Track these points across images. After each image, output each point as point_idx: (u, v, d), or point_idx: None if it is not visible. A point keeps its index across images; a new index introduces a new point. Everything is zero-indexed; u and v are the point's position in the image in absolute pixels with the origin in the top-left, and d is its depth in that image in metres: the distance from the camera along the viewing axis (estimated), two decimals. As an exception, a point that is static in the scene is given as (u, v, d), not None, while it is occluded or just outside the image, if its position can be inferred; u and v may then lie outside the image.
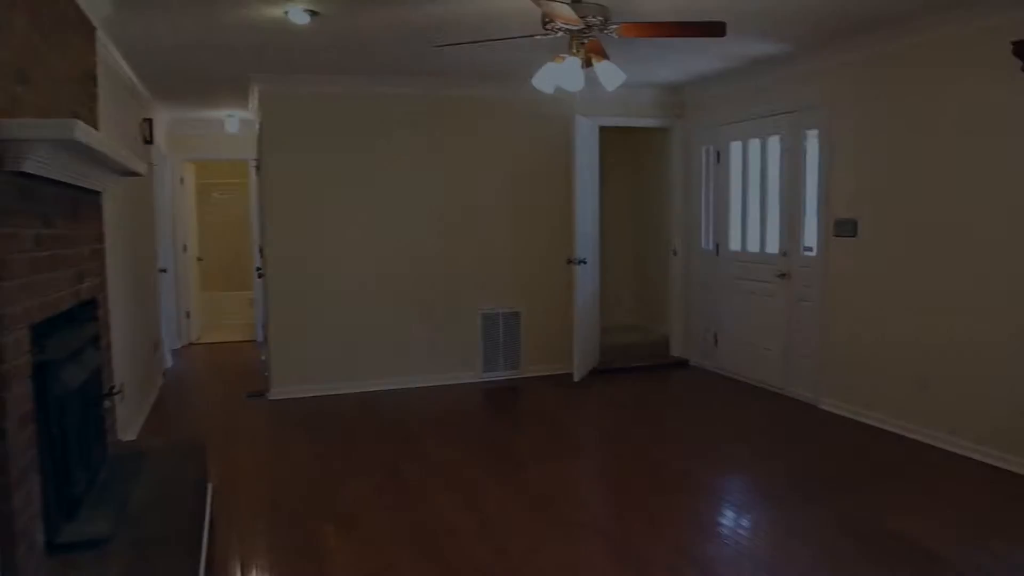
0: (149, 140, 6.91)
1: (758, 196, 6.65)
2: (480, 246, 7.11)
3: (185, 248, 9.44)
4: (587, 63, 4.02)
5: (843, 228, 5.64)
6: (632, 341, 7.86)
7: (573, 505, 4.14)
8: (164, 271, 8.00)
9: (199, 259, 10.39)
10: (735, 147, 6.94)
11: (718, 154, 7.10)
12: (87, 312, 3.36)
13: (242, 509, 4.15)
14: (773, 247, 6.48)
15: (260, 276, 6.79)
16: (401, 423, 5.81)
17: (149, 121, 6.90)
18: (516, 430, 5.60)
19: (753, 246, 6.74)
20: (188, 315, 9.53)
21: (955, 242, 4.80)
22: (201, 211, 11.05)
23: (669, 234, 7.87)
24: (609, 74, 3.88)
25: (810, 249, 6.09)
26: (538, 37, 3.94)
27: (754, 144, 6.69)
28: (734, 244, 7.01)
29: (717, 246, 7.19)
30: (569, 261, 6.67)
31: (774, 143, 6.43)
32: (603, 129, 7.90)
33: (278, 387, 6.71)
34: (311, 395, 6.72)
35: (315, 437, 5.50)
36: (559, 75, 3.85)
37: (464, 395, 6.65)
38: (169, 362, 8.24)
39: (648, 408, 6.11)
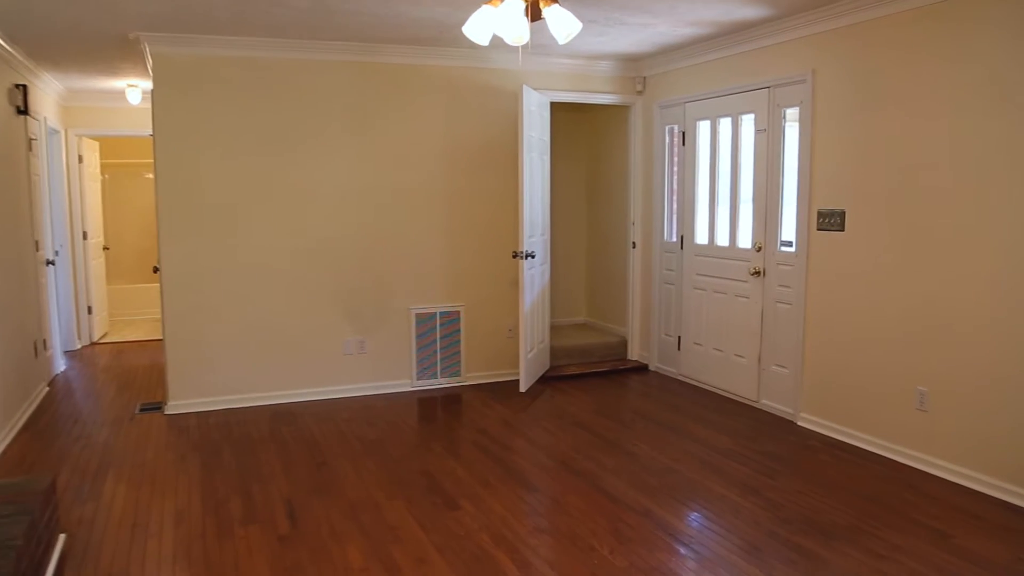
0: (23, 110, 5.87)
1: (728, 183, 5.88)
2: (414, 237, 6.23)
3: (85, 235, 8.37)
4: (535, 14, 3.18)
5: (828, 220, 4.90)
6: (587, 343, 7.06)
7: (513, 557, 3.32)
8: (52, 263, 6.96)
9: (105, 248, 9.33)
10: (703, 127, 6.16)
11: (683, 135, 6.32)
12: None
13: (101, 569, 3.25)
14: (746, 241, 5.72)
15: (156, 271, 5.83)
16: (316, 446, 4.93)
17: (22, 88, 5.87)
18: (451, 454, 4.76)
19: (722, 239, 5.98)
20: (90, 311, 8.48)
21: (961, 238, 4.07)
22: (111, 194, 9.97)
23: (628, 225, 7.08)
24: (560, 22, 3.03)
25: (789, 244, 5.34)
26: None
27: (724, 124, 5.91)
28: (701, 237, 6.23)
29: (681, 239, 6.41)
30: (515, 255, 5.83)
31: (747, 123, 5.66)
32: (555, 107, 7.07)
33: (176, 399, 5.78)
34: (215, 408, 5.81)
35: (209, 465, 4.59)
36: (497, 22, 2.99)
37: (395, 407, 5.79)
38: (61, 366, 7.22)
39: (604, 424, 5.32)
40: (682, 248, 6.40)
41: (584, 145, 8.04)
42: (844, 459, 4.55)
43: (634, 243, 6.99)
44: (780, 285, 5.36)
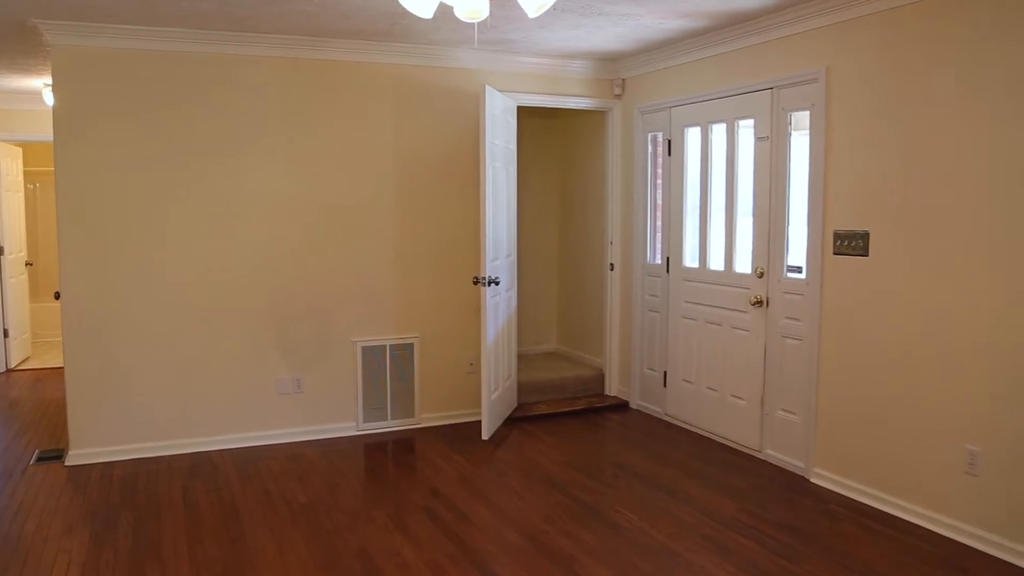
0: None
1: (723, 199, 5.11)
2: (360, 259, 5.38)
3: (2, 251, 7.42)
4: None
5: (848, 243, 4.14)
6: (559, 376, 6.24)
7: None
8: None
9: (28, 264, 8.36)
10: (692, 134, 5.39)
11: (668, 143, 5.55)
12: None
13: None
14: (745, 265, 4.95)
15: (57, 298, 4.91)
16: (234, 511, 4.05)
17: None
18: (397, 526, 3.90)
19: (716, 263, 5.20)
20: (7, 334, 7.50)
21: (1018, 263, 3.33)
22: (40, 205, 9.03)
23: (605, 244, 6.28)
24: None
25: (798, 270, 4.58)
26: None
27: (718, 131, 5.15)
28: (690, 259, 5.46)
29: (667, 261, 5.63)
30: (476, 281, 4.99)
31: (746, 129, 4.91)
32: (523, 112, 6.27)
33: (79, 448, 4.87)
34: (124, 458, 4.92)
35: (100, 540, 3.69)
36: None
37: (335, 458, 4.91)
38: (-46, 405, 6.23)
39: (581, 482, 4.50)
40: (668, 271, 5.62)
41: (556, 155, 7.25)
42: (875, 531, 3.77)
43: (612, 265, 6.20)
44: (787, 317, 4.59)
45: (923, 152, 3.73)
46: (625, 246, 6.10)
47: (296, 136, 5.14)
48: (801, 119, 4.50)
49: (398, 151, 5.40)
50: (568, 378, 6.26)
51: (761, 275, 4.76)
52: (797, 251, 4.60)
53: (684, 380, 5.51)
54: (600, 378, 6.35)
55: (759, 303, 4.76)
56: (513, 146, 5.59)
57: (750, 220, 4.87)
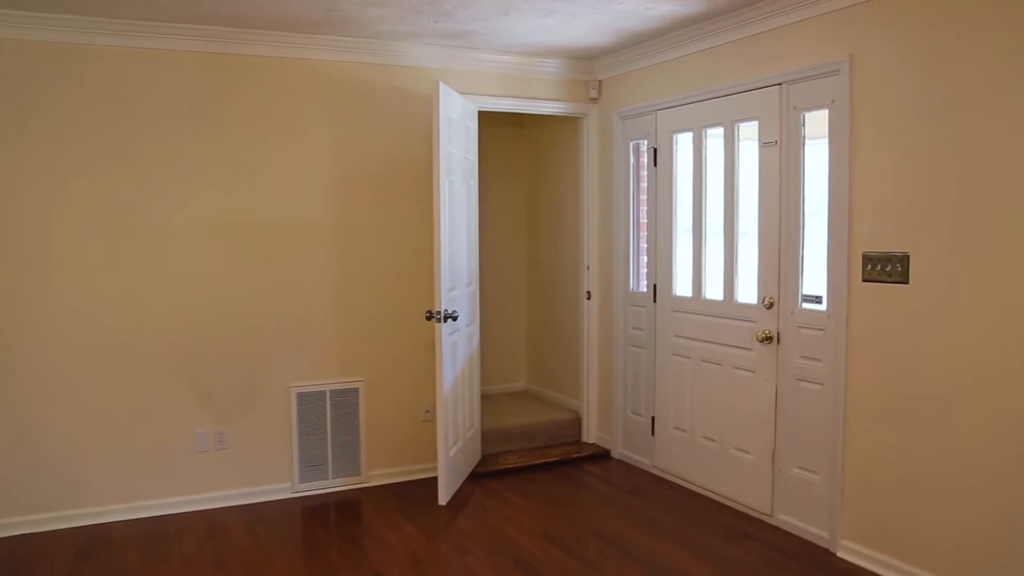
0: None
1: (722, 216, 4.36)
2: (295, 291, 4.53)
3: None
4: None
5: (881, 268, 3.40)
6: (530, 422, 5.43)
7: None
8: None
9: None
10: (682, 141, 4.65)
11: (655, 152, 4.80)
12: None
13: None
14: (750, 294, 4.20)
15: (-80, 341, 4.00)
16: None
17: None
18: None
19: (714, 291, 4.44)
20: None
21: None
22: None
23: (581, 270, 5.51)
24: None
25: (816, 299, 3.83)
26: None
27: (714, 136, 4.41)
28: (682, 287, 4.69)
29: (654, 289, 4.86)
30: (430, 316, 4.16)
31: (749, 133, 4.17)
32: (485, 120, 5.51)
33: (-66, 532, 3.93)
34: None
35: None
36: None
37: (264, 530, 4.03)
38: None
39: (559, 561, 3.68)
40: (655, 301, 4.85)
41: (524, 169, 6.47)
42: (932, 633, 3.00)
43: (589, 293, 5.41)
44: (804, 356, 3.83)
45: (981, 157, 3.01)
46: (604, 272, 5.33)
47: (216, 145, 4.29)
48: (817, 119, 3.77)
49: (339, 164, 4.58)
50: (540, 424, 5.44)
51: (770, 306, 4.00)
52: (814, 277, 3.85)
53: (676, 428, 4.72)
54: (577, 423, 5.54)
55: (768, 339, 4.00)
56: (474, 157, 4.80)
57: (755, 241, 4.12)
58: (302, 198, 4.50)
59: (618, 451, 5.27)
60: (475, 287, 4.84)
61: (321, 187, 4.54)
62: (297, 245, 4.51)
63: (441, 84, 4.04)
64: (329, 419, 4.63)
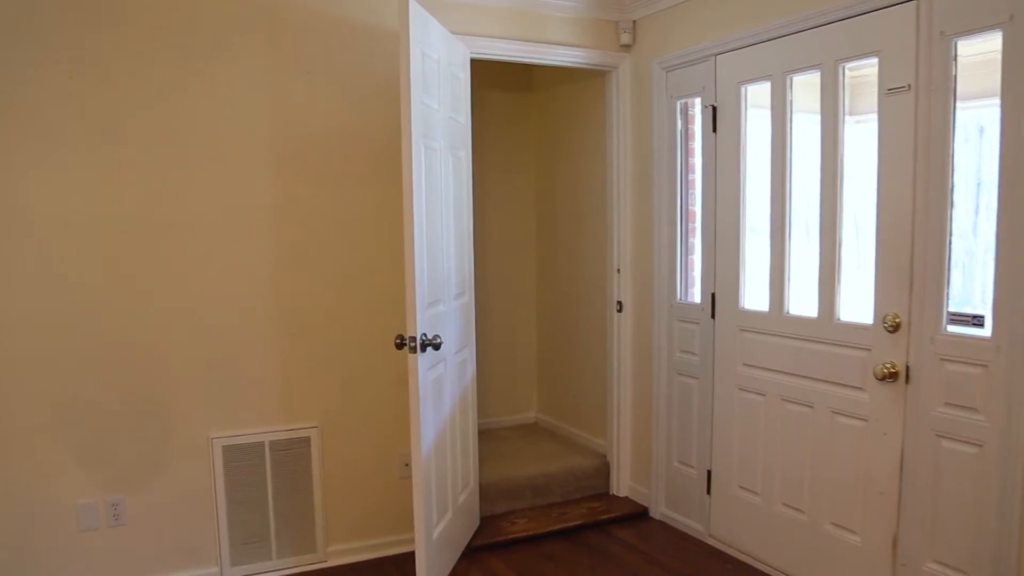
0: None
1: (818, 199, 3.06)
2: (217, 310, 3.27)
3: None
4: None
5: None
6: (543, 471, 4.18)
7: None
8: None
9: None
10: (756, 95, 3.37)
11: (713, 113, 3.51)
12: None
13: None
14: (860, 310, 2.92)
15: None
16: None
17: None
18: None
19: (805, 305, 3.17)
20: None
21: None
22: None
23: (609, 273, 4.24)
24: None
25: (975, 321, 2.55)
26: None
27: (807, 84, 3.13)
28: (754, 299, 3.42)
29: (712, 300, 3.58)
30: (401, 344, 2.86)
31: (860, 78, 2.90)
32: (484, 83, 4.27)
33: None
34: None
35: None
36: None
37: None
38: None
39: None
40: (713, 316, 3.57)
41: (533, 144, 5.19)
42: None
43: (620, 304, 4.14)
44: (950, 404, 2.56)
45: None
46: (640, 276, 4.06)
47: (103, 111, 3.03)
48: (978, 48, 2.49)
49: (278, 132, 3.32)
50: (556, 474, 4.17)
51: (895, 328, 2.72)
52: (970, 288, 2.58)
53: (743, 488, 3.46)
54: (603, 470, 4.28)
55: (891, 376, 2.72)
56: (465, 118, 3.52)
57: (871, 236, 2.84)
58: (225, 179, 3.24)
59: (659, 510, 4.00)
60: (468, 299, 3.57)
61: (252, 163, 3.29)
62: (220, 246, 3.25)
63: (411, 4, 2.75)
64: (270, 479, 3.39)
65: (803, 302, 3.17)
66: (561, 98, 4.86)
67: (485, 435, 4.81)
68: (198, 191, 3.19)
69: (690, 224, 3.84)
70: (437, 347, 2.86)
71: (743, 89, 3.38)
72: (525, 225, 5.19)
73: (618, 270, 4.14)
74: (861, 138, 2.92)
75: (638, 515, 4.06)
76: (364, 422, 3.55)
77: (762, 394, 3.32)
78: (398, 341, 2.83)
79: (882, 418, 2.79)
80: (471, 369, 3.61)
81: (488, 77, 4.86)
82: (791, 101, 3.16)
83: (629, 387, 4.17)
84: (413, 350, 2.78)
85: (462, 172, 3.47)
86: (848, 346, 2.92)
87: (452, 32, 3.42)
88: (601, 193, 4.35)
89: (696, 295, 3.76)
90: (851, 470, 2.92)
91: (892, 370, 2.72)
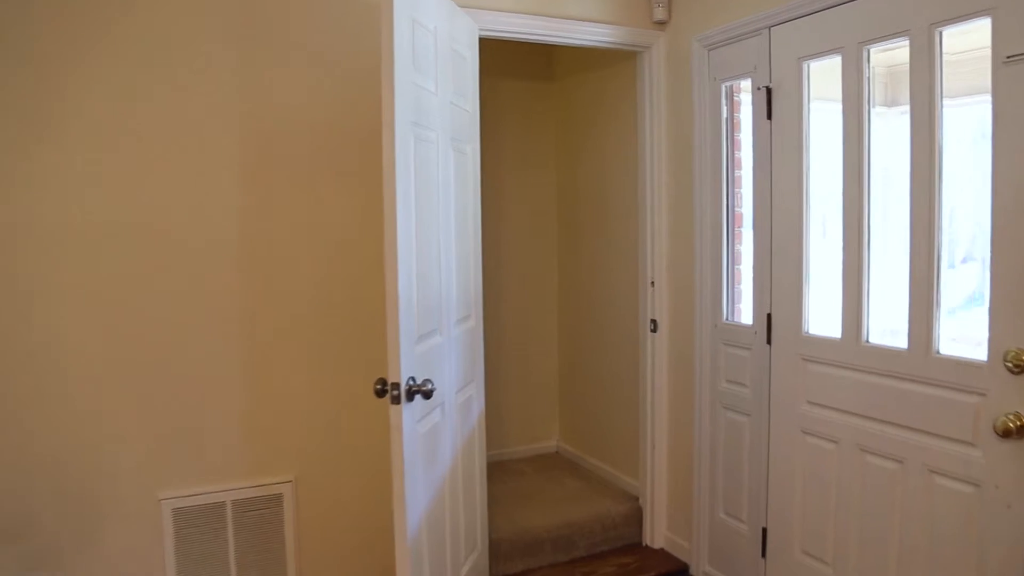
0: None
1: (908, 198, 2.43)
2: (168, 337, 2.71)
3: None
4: None
5: None
6: (564, 520, 3.59)
7: None
8: None
9: None
10: (821, 72, 2.76)
11: (768, 96, 2.88)
12: None
13: None
14: (968, 342, 2.29)
15: None
16: None
17: None
18: None
19: (888, 331, 2.54)
20: None
21: None
22: None
23: (642, 286, 3.64)
24: None
25: None
26: None
27: (887, 57, 2.51)
28: (821, 321, 2.80)
29: (768, 321, 2.95)
30: (382, 391, 2.26)
31: (962, 45, 2.27)
32: (497, 67, 3.71)
33: None
34: None
35: None
36: None
37: None
38: None
39: None
40: (769, 341, 2.95)
41: (553, 137, 4.60)
42: None
43: (654, 322, 3.53)
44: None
45: None
46: (679, 291, 3.45)
47: (24, 94, 2.48)
48: None
49: (249, 123, 2.75)
50: (581, 521, 3.57)
51: (1020, 367, 2.09)
52: None
53: (807, 553, 2.83)
54: (636, 517, 3.67)
55: (1018, 431, 2.09)
56: (472, 107, 2.92)
57: (983, 245, 2.21)
58: (183, 183, 2.68)
59: (701, 569, 3.39)
60: (475, 323, 2.97)
61: (215, 164, 2.72)
62: (172, 260, 2.69)
63: (394, -41, 2.16)
64: (233, 547, 2.82)
65: (888, 328, 2.55)
66: (585, 86, 4.25)
67: (498, 469, 4.23)
68: (149, 197, 2.63)
69: (737, 228, 3.23)
70: (428, 394, 2.27)
71: (805, 66, 2.75)
72: (545, 231, 4.59)
73: (652, 283, 3.53)
74: (962, 123, 2.29)
75: (677, 573, 3.45)
76: (349, 472, 2.98)
77: (833, 440, 2.70)
78: (378, 387, 2.24)
79: (1004, 485, 2.16)
80: (478, 407, 3.02)
81: (502, 64, 4.28)
82: (869, 78, 2.54)
83: (665, 420, 3.56)
84: (396, 400, 2.19)
85: (467, 169, 2.87)
86: (953, 388, 2.29)
87: (458, 5, 2.82)
88: (631, 194, 3.75)
89: (746, 314, 3.14)
90: (957, 549, 2.29)
91: (1019, 423, 2.09)
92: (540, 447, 4.63)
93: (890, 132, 2.48)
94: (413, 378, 2.27)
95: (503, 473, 4.19)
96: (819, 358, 2.74)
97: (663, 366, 3.55)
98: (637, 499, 3.74)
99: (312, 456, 2.92)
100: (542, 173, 4.57)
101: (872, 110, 2.55)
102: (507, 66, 4.37)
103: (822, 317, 2.79)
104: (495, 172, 4.34)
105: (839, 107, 2.62)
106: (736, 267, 3.26)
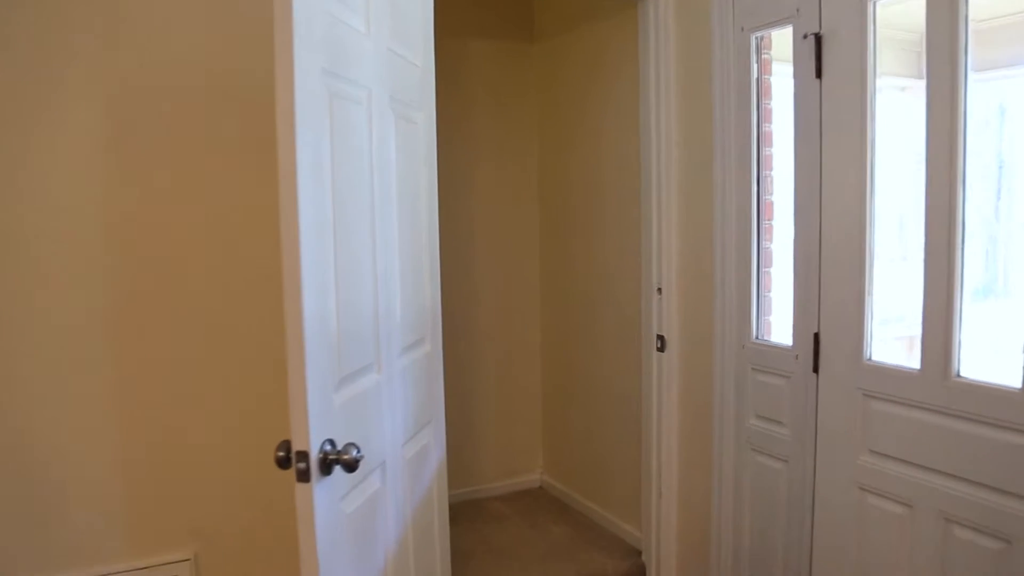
0: None
1: (1022, 182, 1.74)
2: (14, 378, 1.98)
3: None
4: None
5: None
6: None
7: None
8: None
9: None
10: (892, 16, 2.06)
11: (817, 45, 2.18)
12: None
13: None
14: None
15: None
16: None
17: None
18: None
19: (992, 367, 1.86)
20: None
21: None
22: None
23: (647, 295, 2.95)
24: None
25: None
26: None
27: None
28: (890, 347, 2.12)
29: (816, 342, 2.26)
30: (284, 461, 1.56)
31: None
32: (466, 23, 3.01)
33: None
34: None
35: None
36: None
37: None
38: None
39: None
40: (816, 368, 2.26)
41: (536, 110, 3.88)
42: None
43: (661, 339, 2.84)
44: None
45: None
46: (693, 300, 2.76)
47: None
48: None
49: (113, 88, 2.03)
50: (570, 582, 2.89)
51: None
52: None
53: (869, 645, 2.16)
54: (638, 573, 2.99)
55: None
56: (424, 61, 2.19)
57: None
58: (17, 170, 1.96)
59: (723, 642, 2.71)
60: (431, 347, 2.26)
61: (68, 139, 2.00)
62: (14, 268, 1.97)
63: None
64: (119, 636, 2.12)
65: (987, 359, 1.87)
66: (575, 46, 3.55)
67: (471, 511, 3.54)
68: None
69: (766, 221, 2.55)
70: (352, 466, 1.56)
71: (871, 6, 2.06)
72: (524, 224, 3.89)
73: (658, 289, 2.84)
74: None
75: (691, 649, 2.77)
76: (267, 548, 2.27)
77: (905, 504, 2.02)
78: (280, 455, 1.54)
79: None
80: (437, 455, 2.32)
81: (472, 19, 3.58)
82: (966, 16, 1.85)
83: (675, 459, 2.88)
84: (304, 475, 1.49)
85: (418, 145, 2.16)
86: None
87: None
88: (632, 179, 3.05)
89: (780, 331, 2.46)
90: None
91: None
92: (521, 482, 3.94)
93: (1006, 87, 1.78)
94: (331, 441, 1.57)
95: (477, 516, 3.51)
96: (887, 394, 2.06)
97: (672, 394, 2.86)
98: (639, 554, 3.06)
99: (218, 528, 2.21)
100: (522, 156, 3.86)
101: (966, 68, 1.86)
102: (479, 23, 3.67)
103: (890, 340, 2.11)
104: (464, 156, 3.65)
105: (913, 63, 1.93)
106: (765, 270, 2.58)
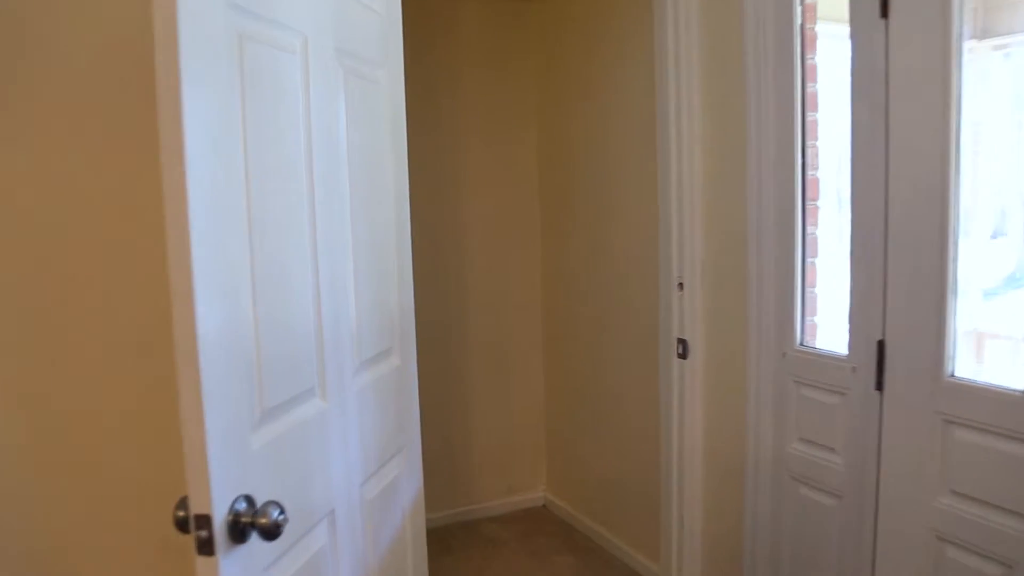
0: None
1: None
2: None
3: None
4: None
5: None
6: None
7: None
8: None
9: None
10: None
11: (879, -14, 1.73)
12: None
13: None
14: None
15: None
16: None
17: None
18: None
19: None
20: None
21: None
22: None
23: (666, 292, 2.51)
24: None
25: None
26: None
27: None
28: (980, 361, 1.68)
29: (880, 352, 1.81)
30: (183, 523, 1.14)
31: None
32: None
33: None
34: None
35: None
36: None
37: None
38: None
39: None
40: (880, 385, 1.82)
41: (535, 78, 3.43)
42: None
43: (683, 343, 2.40)
44: None
45: None
46: (721, 297, 2.32)
47: None
48: None
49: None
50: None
51: None
52: None
53: None
54: (656, 615, 2.57)
55: None
56: (388, 6, 1.75)
57: None
58: None
59: None
60: (399, 361, 1.83)
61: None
62: None
63: None
64: None
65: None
66: (579, 6, 3.10)
67: (465, 535, 3.13)
68: None
69: (811, 202, 2.11)
70: (272, 534, 1.14)
71: (955, -76, 1.61)
72: (522, 212, 3.45)
73: (679, 284, 2.40)
74: None
75: None
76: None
77: (1003, 564, 1.59)
78: (179, 515, 1.12)
79: None
80: (411, 487, 1.89)
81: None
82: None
83: (700, 486, 2.45)
84: (207, 546, 1.07)
85: (380, 110, 1.72)
86: None
87: None
88: (647, 155, 2.61)
89: (831, 337, 2.02)
90: None
91: None
92: (522, 500, 3.51)
93: None
94: (248, 498, 1.15)
95: (472, 542, 3.09)
96: (977, 421, 1.62)
97: (696, 408, 2.42)
98: (657, 591, 2.64)
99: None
100: (519, 128, 3.42)
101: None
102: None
103: (980, 353, 1.67)
104: (452, 131, 3.21)
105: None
106: (809, 260, 2.14)
